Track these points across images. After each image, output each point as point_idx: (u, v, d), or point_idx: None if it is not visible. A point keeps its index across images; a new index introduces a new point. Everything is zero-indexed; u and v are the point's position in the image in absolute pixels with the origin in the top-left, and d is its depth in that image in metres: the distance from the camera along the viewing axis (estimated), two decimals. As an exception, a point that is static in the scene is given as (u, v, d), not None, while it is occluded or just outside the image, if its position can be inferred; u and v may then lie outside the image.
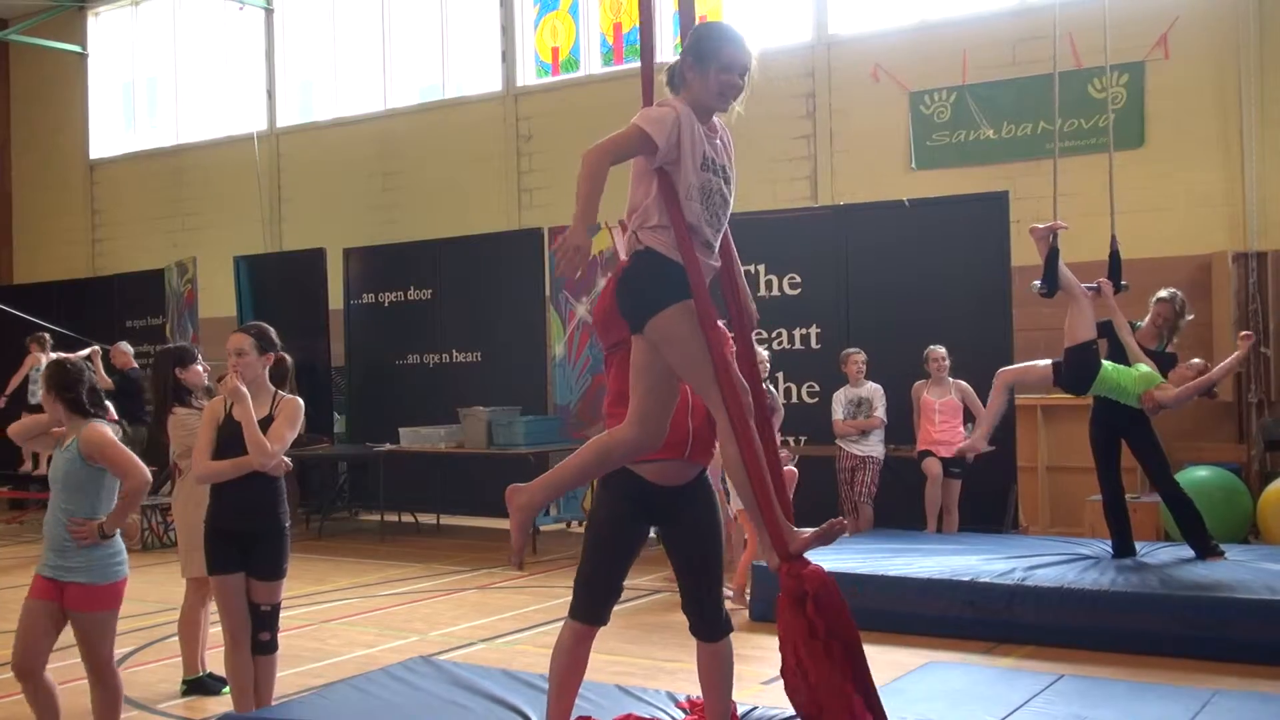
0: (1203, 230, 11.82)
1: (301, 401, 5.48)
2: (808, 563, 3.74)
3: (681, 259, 3.74)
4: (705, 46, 3.75)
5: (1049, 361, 8.48)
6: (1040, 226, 8.44)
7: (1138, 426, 8.29)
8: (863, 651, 3.74)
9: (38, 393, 13.54)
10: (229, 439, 5.26)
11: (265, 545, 5.32)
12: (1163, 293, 8.57)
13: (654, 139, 3.69)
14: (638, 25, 4.27)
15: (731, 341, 3.99)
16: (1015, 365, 8.95)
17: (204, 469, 5.31)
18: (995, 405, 8.80)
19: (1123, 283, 8.71)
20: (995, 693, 5.63)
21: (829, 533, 3.75)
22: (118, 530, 4.95)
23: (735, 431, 3.69)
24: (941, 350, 9.79)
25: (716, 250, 3.88)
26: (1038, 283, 8.42)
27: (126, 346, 13.28)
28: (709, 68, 3.73)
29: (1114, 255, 8.81)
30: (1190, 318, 8.69)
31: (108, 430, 4.96)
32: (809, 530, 3.75)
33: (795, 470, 9.72)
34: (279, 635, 5.49)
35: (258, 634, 5.34)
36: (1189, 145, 11.95)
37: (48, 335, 14.00)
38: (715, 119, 3.89)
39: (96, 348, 10.96)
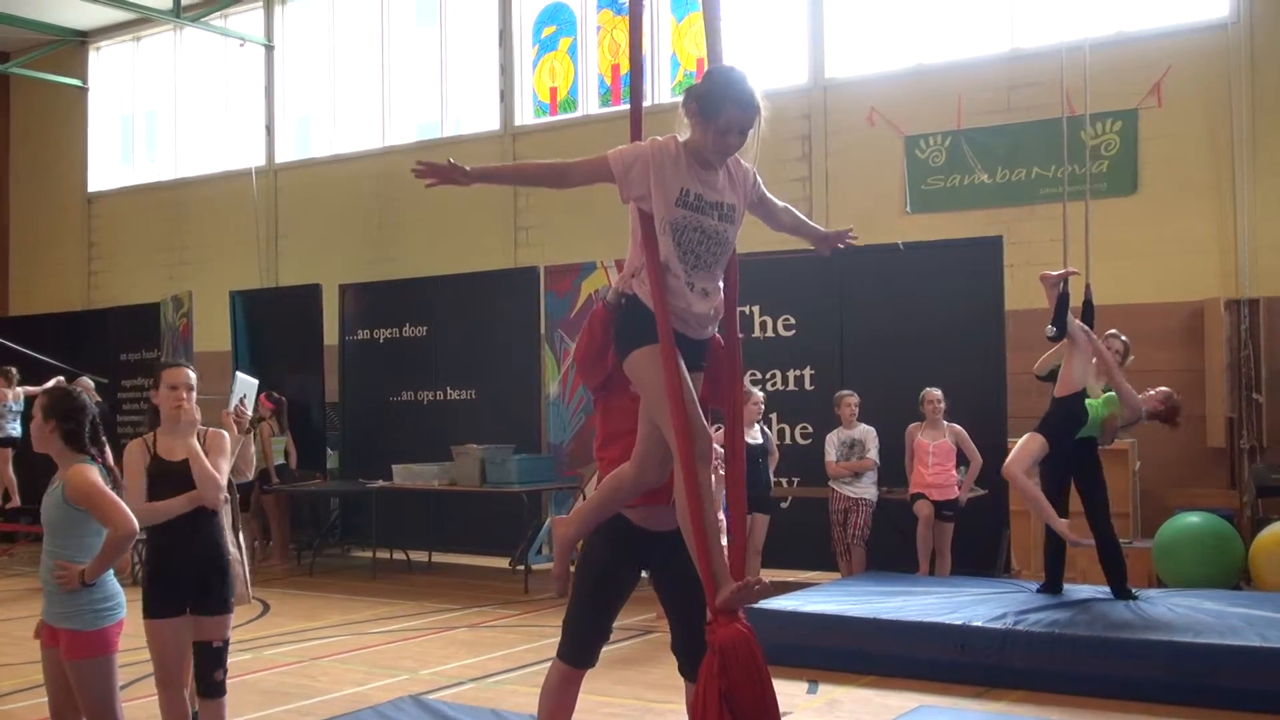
0: (1195, 277, 11.88)
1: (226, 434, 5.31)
2: (732, 619, 3.60)
3: (653, 301, 3.74)
4: (709, 104, 3.70)
5: (1031, 434, 8.41)
6: (1052, 274, 8.48)
7: (1091, 460, 8.42)
8: (773, 718, 3.60)
9: (5, 426, 13.51)
10: (158, 477, 5.06)
11: (216, 580, 5.13)
12: (1113, 330, 8.70)
13: (611, 168, 3.73)
14: (630, 67, 4.25)
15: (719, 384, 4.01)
16: (1013, 454, 8.46)
17: (145, 511, 4.98)
18: (1034, 496, 8.32)
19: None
20: (986, 738, 5.61)
21: (746, 591, 3.59)
22: (106, 573, 4.68)
23: (683, 478, 3.64)
24: (937, 393, 9.80)
25: (702, 289, 3.80)
26: (1051, 327, 8.46)
27: (89, 380, 13.26)
28: (709, 125, 3.70)
29: (1087, 304, 8.87)
30: (1132, 359, 8.74)
31: (93, 473, 4.67)
32: (729, 588, 3.61)
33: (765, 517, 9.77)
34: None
35: (212, 673, 5.11)
36: (1182, 192, 12.02)
37: (14, 370, 13.92)
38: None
39: (61, 379, 10.93)
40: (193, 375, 5.21)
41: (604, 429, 4.31)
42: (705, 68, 3.98)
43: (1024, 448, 8.36)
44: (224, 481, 5.19)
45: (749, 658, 3.56)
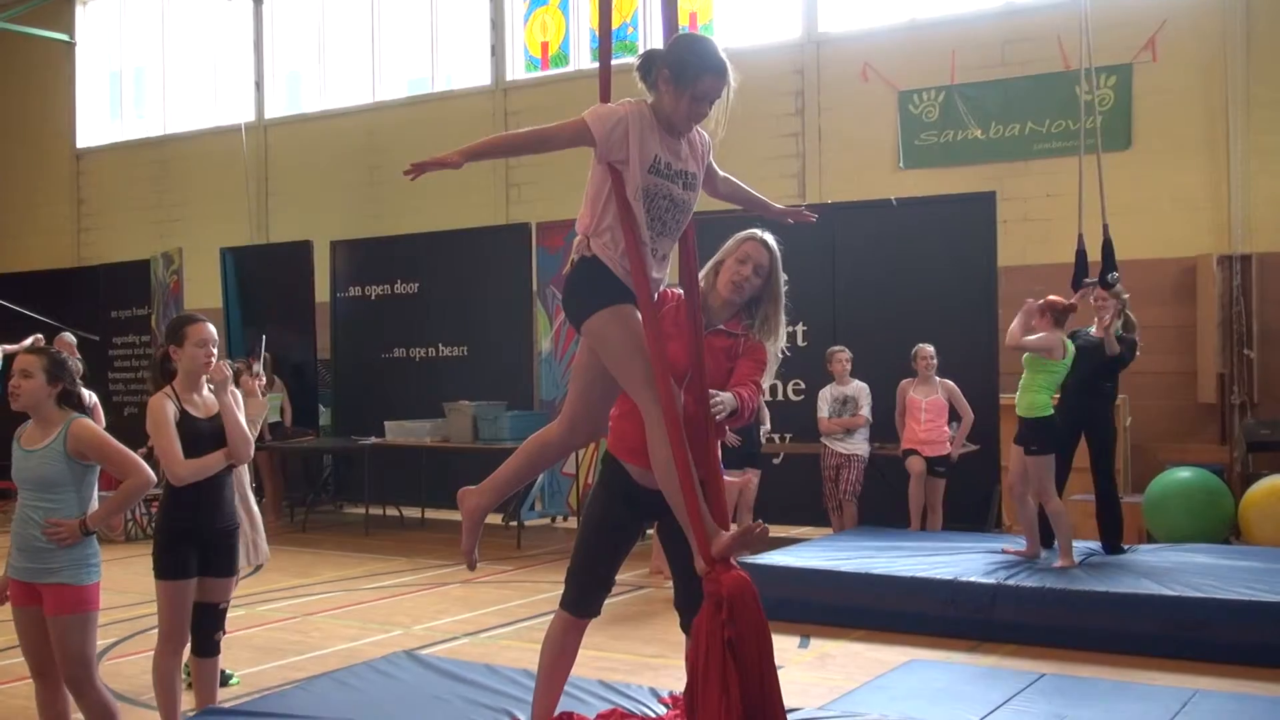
0: (1188, 233, 11.86)
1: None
2: (731, 567, 3.67)
3: (628, 262, 3.76)
4: (685, 70, 3.71)
5: (1033, 460, 8.08)
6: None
7: (1103, 415, 8.62)
8: (771, 664, 3.68)
9: None
10: (187, 434, 4.97)
11: (228, 541, 5.12)
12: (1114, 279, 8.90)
13: (593, 132, 3.72)
14: (599, 26, 4.26)
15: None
16: (1037, 486, 8.06)
17: (188, 467, 4.94)
18: (1030, 514, 8.25)
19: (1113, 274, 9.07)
20: (976, 691, 5.65)
21: (747, 536, 3.67)
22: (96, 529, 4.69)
23: (668, 435, 3.68)
24: (930, 349, 9.79)
25: (662, 255, 3.88)
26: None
27: (70, 337, 13.26)
28: (684, 92, 3.72)
29: (1106, 244, 9.21)
30: (1126, 295, 8.87)
31: (96, 426, 4.71)
32: (729, 533, 3.69)
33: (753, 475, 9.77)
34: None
35: (213, 634, 5.13)
36: (1176, 147, 11.98)
37: None
38: None
39: (40, 336, 10.85)
40: (214, 329, 5.14)
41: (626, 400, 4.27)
42: (669, 25, 3.99)
43: (1039, 474, 8.04)
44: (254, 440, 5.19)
45: (754, 605, 3.63)
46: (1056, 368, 8.02)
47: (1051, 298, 8.16)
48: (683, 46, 3.79)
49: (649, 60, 3.81)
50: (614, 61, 4.21)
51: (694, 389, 3.92)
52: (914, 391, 9.85)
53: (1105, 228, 9.16)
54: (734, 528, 3.84)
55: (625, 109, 3.77)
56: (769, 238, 4.29)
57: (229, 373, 5.14)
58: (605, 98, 4.00)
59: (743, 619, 3.58)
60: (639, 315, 3.79)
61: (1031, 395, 8.05)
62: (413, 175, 3.66)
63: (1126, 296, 8.75)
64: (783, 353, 4.39)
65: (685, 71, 3.71)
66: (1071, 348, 8.10)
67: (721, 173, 4.16)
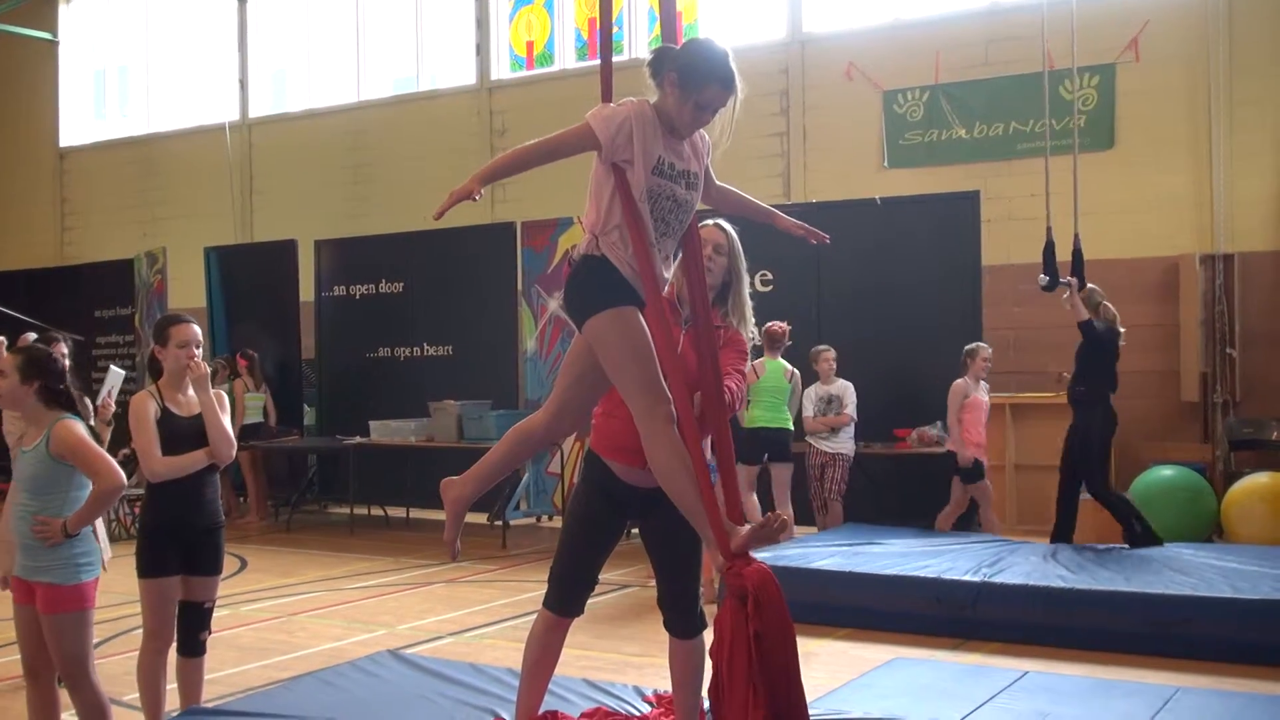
0: (1171, 232, 11.91)
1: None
2: (751, 560, 3.68)
3: (635, 264, 3.76)
4: (692, 77, 3.69)
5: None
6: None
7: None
8: (795, 656, 3.68)
9: None
10: (168, 433, 5.00)
11: (212, 540, 5.12)
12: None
13: (598, 135, 3.71)
14: (600, 26, 4.24)
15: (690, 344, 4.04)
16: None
17: (164, 464, 4.96)
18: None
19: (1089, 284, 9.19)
20: (961, 688, 5.66)
21: (767, 528, 3.68)
22: (85, 528, 4.67)
23: (688, 438, 3.68)
24: (989, 349, 9.59)
25: (665, 256, 3.88)
26: (1044, 276, 9.22)
27: (31, 336, 13.18)
28: (689, 98, 3.70)
29: (1076, 254, 9.23)
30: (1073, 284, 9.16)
31: (80, 427, 4.67)
32: (747, 528, 3.71)
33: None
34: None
35: (198, 634, 5.13)
36: (1159, 147, 12.03)
37: None
38: None
39: (2, 339, 10.80)
40: (199, 330, 5.17)
41: (611, 399, 4.27)
42: (668, 29, 3.98)
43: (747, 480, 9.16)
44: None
45: (777, 597, 3.64)
46: (759, 386, 9.29)
47: (768, 325, 9.28)
48: (694, 52, 3.75)
49: (660, 58, 3.78)
50: (600, 60, 4.19)
51: (706, 386, 3.92)
52: (977, 392, 9.47)
53: (1076, 236, 9.32)
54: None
55: (628, 109, 3.75)
56: (722, 220, 4.32)
57: (206, 370, 5.15)
58: (607, 98, 3.98)
59: (768, 611, 3.58)
60: (641, 319, 3.78)
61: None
62: (438, 217, 3.71)
63: (1072, 286, 8.99)
64: (750, 335, 4.40)
65: (692, 78, 3.69)
66: (768, 367, 9.35)
67: (718, 182, 4.12)
